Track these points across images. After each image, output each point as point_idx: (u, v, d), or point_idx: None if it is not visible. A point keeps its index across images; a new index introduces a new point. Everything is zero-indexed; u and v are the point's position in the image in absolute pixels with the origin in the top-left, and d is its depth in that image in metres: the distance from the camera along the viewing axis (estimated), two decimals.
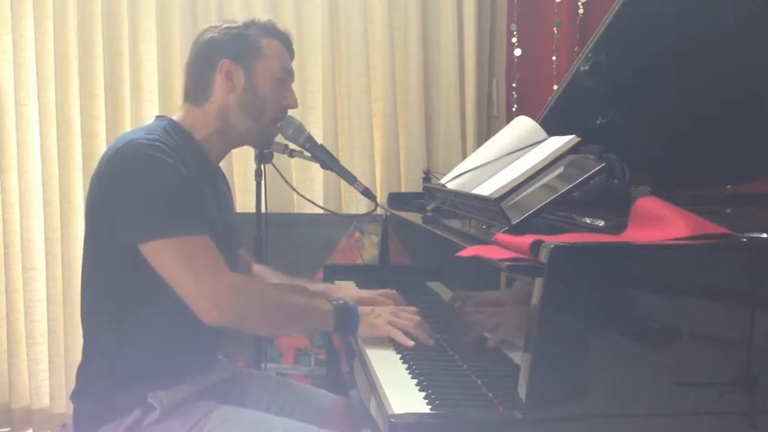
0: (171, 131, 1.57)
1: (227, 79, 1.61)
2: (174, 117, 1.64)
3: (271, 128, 1.70)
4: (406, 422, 1.08)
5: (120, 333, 1.52)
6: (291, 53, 1.71)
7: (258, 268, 1.92)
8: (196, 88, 1.64)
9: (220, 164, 1.73)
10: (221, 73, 1.61)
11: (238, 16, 2.76)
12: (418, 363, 1.35)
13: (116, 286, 1.52)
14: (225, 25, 1.66)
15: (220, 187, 1.71)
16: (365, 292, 1.77)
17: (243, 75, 1.62)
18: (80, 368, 1.59)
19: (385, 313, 1.54)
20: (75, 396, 1.58)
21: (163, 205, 1.44)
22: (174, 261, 1.43)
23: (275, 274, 1.89)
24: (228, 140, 1.67)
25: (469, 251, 1.24)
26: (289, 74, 1.69)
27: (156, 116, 1.68)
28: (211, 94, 1.62)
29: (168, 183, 1.45)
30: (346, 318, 1.53)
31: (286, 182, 2.17)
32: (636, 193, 1.47)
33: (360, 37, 2.75)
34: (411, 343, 1.46)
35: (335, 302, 1.55)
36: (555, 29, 2.62)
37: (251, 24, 1.66)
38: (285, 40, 1.69)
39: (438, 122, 2.79)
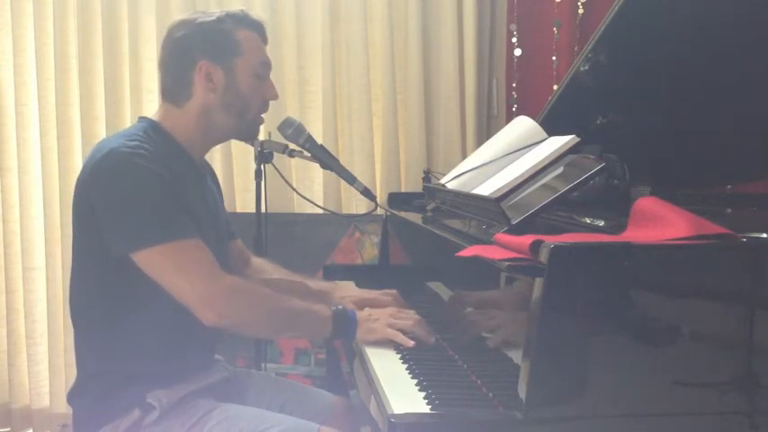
0: (152, 134, 1.55)
1: (207, 80, 1.58)
2: (155, 117, 1.61)
3: (255, 122, 1.67)
4: (406, 422, 1.08)
5: (115, 335, 1.51)
6: (266, 41, 1.67)
7: (258, 261, 1.90)
8: (175, 88, 1.60)
9: (215, 160, 1.71)
10: (200, 74, 1.57)
11: None
12: (418, 363, 1.35)
13: (108, 292, 1.51)
14: (198, 20, 1.60)
15: (207, 184, 1.69)
16: (367, 293, 1.76)
17: (222, 74, 1.58)
18: (77, 369, 1.59)
19: (383, 316, 1.53)
20: (72, 397, 1.57)
21: (151, 213, 1.44)
22: (168, 267, 1.43)
23: (276, 268, 1.88)
24: (211, 138, 1.66)
25: (469, 251, 1.24)
26: (267, 66, 1.65)
27: (139, 117, 1.65)
28: (191, 95, 1.59)
29: (154, 189, 1.44)
30: (345, 324, 1.52)
31: (286, 182, 2.17)
32: (636, 193, 1.47)
33: (360, 37, 2.75)
34: (411, 343, 1.45)
35: (334, 308, 1.55)
36: (555, 29, 2.61)
37: (225, 18, 1.61)
38: (260, 30, 1.65)
39: (438, 122, 2.79)
